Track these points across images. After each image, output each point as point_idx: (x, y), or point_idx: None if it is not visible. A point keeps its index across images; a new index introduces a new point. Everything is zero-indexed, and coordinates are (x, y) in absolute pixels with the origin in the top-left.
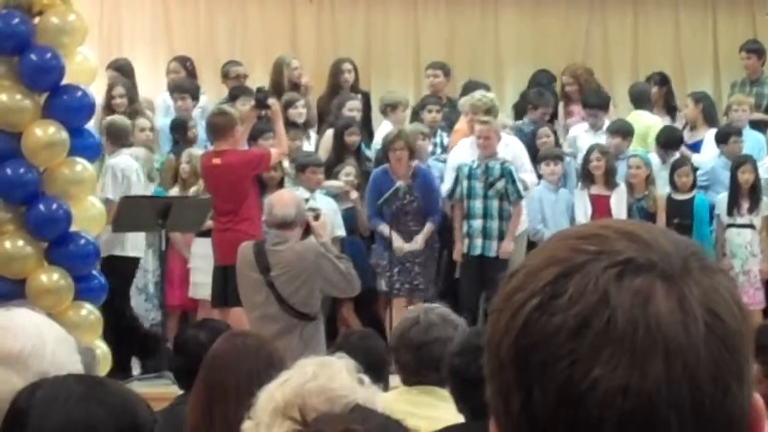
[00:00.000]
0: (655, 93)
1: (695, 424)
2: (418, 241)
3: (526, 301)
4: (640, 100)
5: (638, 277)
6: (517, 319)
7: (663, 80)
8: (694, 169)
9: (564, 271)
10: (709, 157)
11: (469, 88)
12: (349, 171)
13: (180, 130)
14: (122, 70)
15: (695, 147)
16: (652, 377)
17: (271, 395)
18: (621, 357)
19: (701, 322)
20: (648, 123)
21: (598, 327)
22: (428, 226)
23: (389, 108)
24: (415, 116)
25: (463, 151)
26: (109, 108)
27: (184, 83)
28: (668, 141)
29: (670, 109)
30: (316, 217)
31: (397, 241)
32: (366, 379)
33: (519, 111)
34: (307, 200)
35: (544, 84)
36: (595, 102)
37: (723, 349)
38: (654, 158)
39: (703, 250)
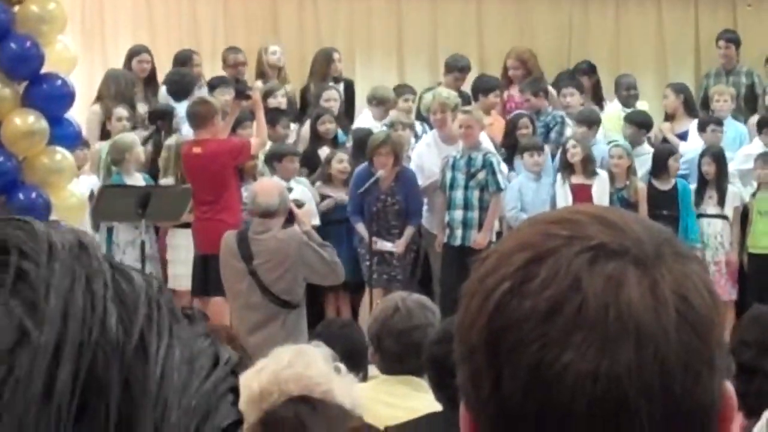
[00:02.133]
0: (584, 82)
1: (665, 410)
2: (400, 246)
3: (497, 285)
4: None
5: (610, 263)
6: (488, 302)
7: (591, 69)
8: None
9: (536, 255)
10: (695, 146)
11: (481, 82)
12: (341, 157)
13: (165, 119)
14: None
15: (681, 138)
16: (622, 363)
17: (247, 384)
18: (592, 342)
19: (672, 309)
20: (606, 112)
21: (569, 312)
22: (409, 229)
23: (376, 101)
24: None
25: (426, 149)
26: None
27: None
28: (643, 122)
29: (598, 100)
30: (300, 206)
31: (377, 242)
32: (342, 367)
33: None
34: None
35: (586, 72)
36: (534, 89)
37: (694, 336)
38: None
39: (676, 237)
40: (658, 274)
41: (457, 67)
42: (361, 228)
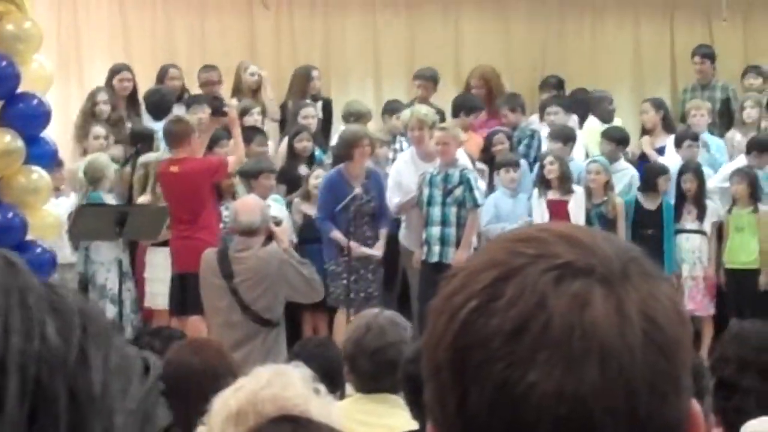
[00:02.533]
0: (548, 98)
1: (630, 429)
2: (379, 249)
3: (464, 304)
4: (592, 105)
5: (576, 281)
6: (454, 321)
7: (559, 84)
8: None
9: (502, 274)
10: (673, 162)
11: (465, 100)
12: (318, 173)
13: (146, 141)
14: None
15: (658, 153)
16: (587, 382)
17: (225, 402)
18: (557, 361)
19: (638, 328)
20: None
21: (535, 330)
22: (383, 232)
23: (353, 117)
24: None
25: (404, 166)
26: (92, 114)
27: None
28: (622, 138)
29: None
30: (278, 224)
31: (357, 247)
32: (322, 388)
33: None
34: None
35: (554, 86)
36: (512, 104)
37: (660, 356)
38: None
39: (645, 256)
40: (624, 294)
41: (425, 77)
42: (337, 235)
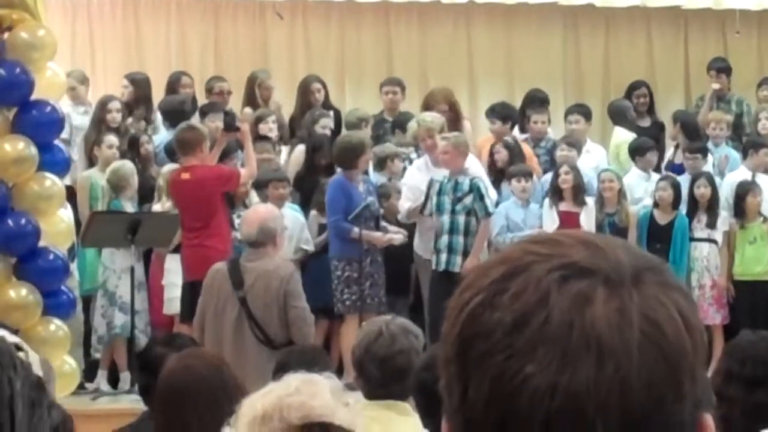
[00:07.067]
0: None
1: (623, 428)
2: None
3: (472, 297)
4: (617, 116)
5: (581, 281)
6: (462, 313)
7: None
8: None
9: (510, 270)
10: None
11: (496, 110)
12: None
13: (133, 147)
14: (138, 84)
15: (681, 168)
16: (581, 378)
17: (252, 405)
18: (554, 356)
19: (637, 330)
20: (618, 141)
21: (535, 325)
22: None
23: (364, 122)
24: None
25: (417, 172)
26: (104, 122)
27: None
28: (636, 148)
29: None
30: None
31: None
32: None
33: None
34: None
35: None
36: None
37: (660, 360)
38: (637, 172)
39: (665, 267)
40: (628, 296)
41: (392, 82)
42: (363, 233)
